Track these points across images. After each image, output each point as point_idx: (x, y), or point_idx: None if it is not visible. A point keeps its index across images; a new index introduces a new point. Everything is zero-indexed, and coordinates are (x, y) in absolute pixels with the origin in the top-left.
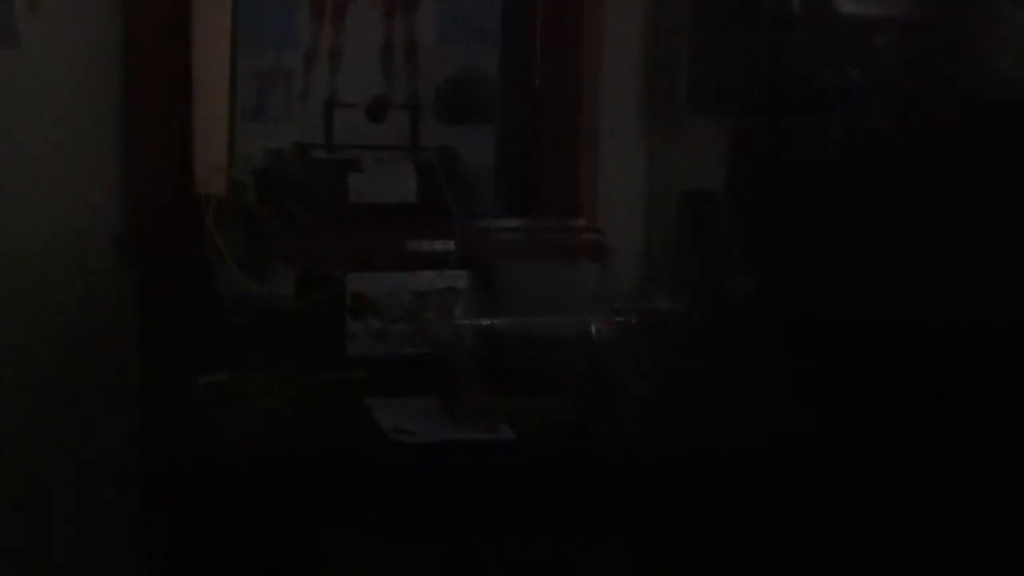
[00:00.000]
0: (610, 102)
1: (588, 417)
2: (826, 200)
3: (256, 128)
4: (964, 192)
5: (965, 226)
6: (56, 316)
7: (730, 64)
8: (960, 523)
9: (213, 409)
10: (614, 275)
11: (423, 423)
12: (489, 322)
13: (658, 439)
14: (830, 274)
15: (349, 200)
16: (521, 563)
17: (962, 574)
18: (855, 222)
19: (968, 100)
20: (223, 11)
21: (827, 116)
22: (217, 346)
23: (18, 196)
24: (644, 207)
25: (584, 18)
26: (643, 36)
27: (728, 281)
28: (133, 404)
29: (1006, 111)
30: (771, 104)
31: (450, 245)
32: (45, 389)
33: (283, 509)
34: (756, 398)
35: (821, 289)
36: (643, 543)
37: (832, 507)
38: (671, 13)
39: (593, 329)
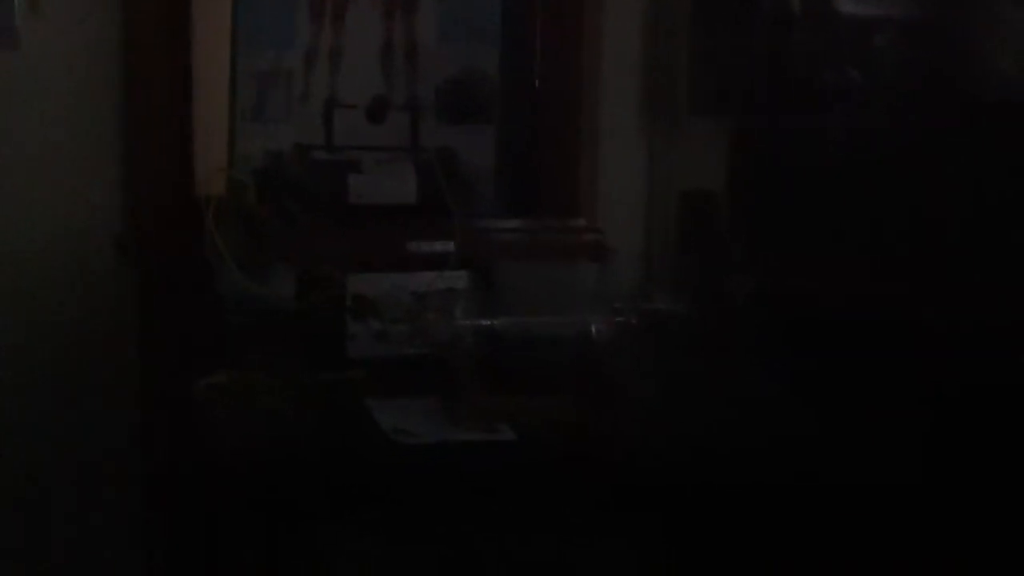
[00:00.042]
0: (610, 102)
1: (588, 417)
2: (826, 200)
3: (256, 129)
4: (964, 192)
5: (965, 226)
6: (56, 316)
7: (730, 64)
8: (960, 523)
9: (213, 410)
10: (614, 275)
11: (423, 423)
12: (489, 322)
13: (658, 439)
14: (830, 274)
15: (349, 201)
16: (522, 563)
17: (962, 574)
18: (855, 222)
19: (968, 100)
20: (223, 11)
21: (827, 116)
22: (217, 347)
23: (18, 196)
24: (644, 207)
25: (584, 18)
26: (643, 36)
27: (728, 281)
28: (133, 404)
29: (1006, 111)
30: (771, 104)
31: (450, 246)
32: (45, 389)
33: (283, 509)
34: (756, 398)
35: (821, 289)
36: (643, 543)
37: (832, 507)
38: (671, 13)
39: (593, 329)
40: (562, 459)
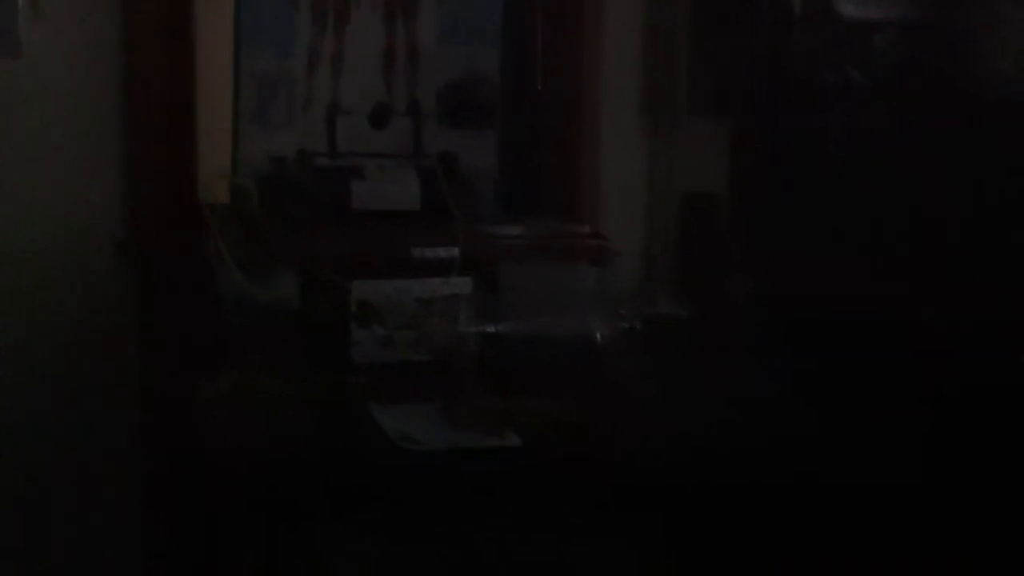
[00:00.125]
0: (611, 104)
1: (592, 420)
2: (828, 201)
3: (259, 134)
4: (964, 192)
5: (965, 226)
6: (56, 317)
7: (730, 65)
8: (960, 522)
9: (217, 414)
10: (616, 278)
11: (428, 429)
12: (493, 327)
13: (665, 441)
14: (832, 275)
15: (352, 207)
16: (524, 564)
17: (962, 574)
18: (857, 223)
19: (968, 100)
20: (225, 17)
21: (827, 116)
22: (220, 351)
23: (19, 196)
24: (645, 209)
25: (584, 20)
26: (643, 38)
27: (730, 282)
28: (133, 405)
29: (1006, 111)
30: (771, 105)
31: (453, 251)
32: (45, 389)
33: (286, 511)
34: (760, 399)
35: (823, 289)
36: (646, 545)
37: (834, 507)
38: (671, 14)
39: (596, 332)
40: (566, 462)
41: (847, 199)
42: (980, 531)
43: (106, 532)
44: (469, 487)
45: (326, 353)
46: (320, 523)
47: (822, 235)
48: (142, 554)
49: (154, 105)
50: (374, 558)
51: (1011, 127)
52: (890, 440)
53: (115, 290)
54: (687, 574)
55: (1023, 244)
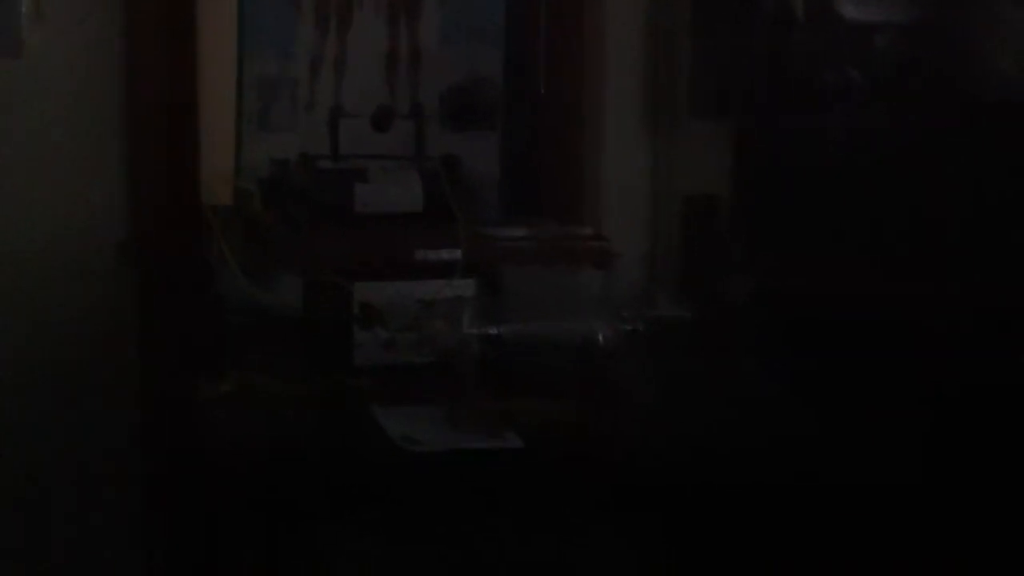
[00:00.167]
0: (612, 106)
1: (595, 422)
2: (831, 202)
3: (261, 137)
4: (965, 192)
5: (965, 226)
6: (58, 317)
7: (731, 66)
8: (960, 522)
9: (218, 416)
10: (619, 280)
11: (431, 431)
12: (496, 329)
13: (669, 444)
14: (835, 275)
15: (355, 209)
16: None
17: (962, 574)
18: (860, 223)
19: (968, 101)
20: (228, 18)
21: (828, 117)
22: (222, 353)
23: (21, 199)
24: (648, 211)
25: (586, 22)
26: (644, 40)
27: (732, 283)
28: (133, 405)
29: (1006, 111)
30: (773, 106)
31: (456, 253)
32: (45, 390)
33: (288, 515)
34: (764, 401)
35: (825, 290)
36: (650, 546)
37: (836, 508)
38: (672, 16)
39: (599, 335)
40: (568, 464)
41: (848, 200)
42: (980, 531)
43: (106, 532)
44: (470, 488)
45: (328, 355)
46: (321, 524)
47: (824, 236)
48: (142, 554)
49: (156, 106)
50: (374, 559)
51: (1011, 127)
52: (892, 440)
53: (116, 291)
54: (690, 574)
55: (1023, 244)
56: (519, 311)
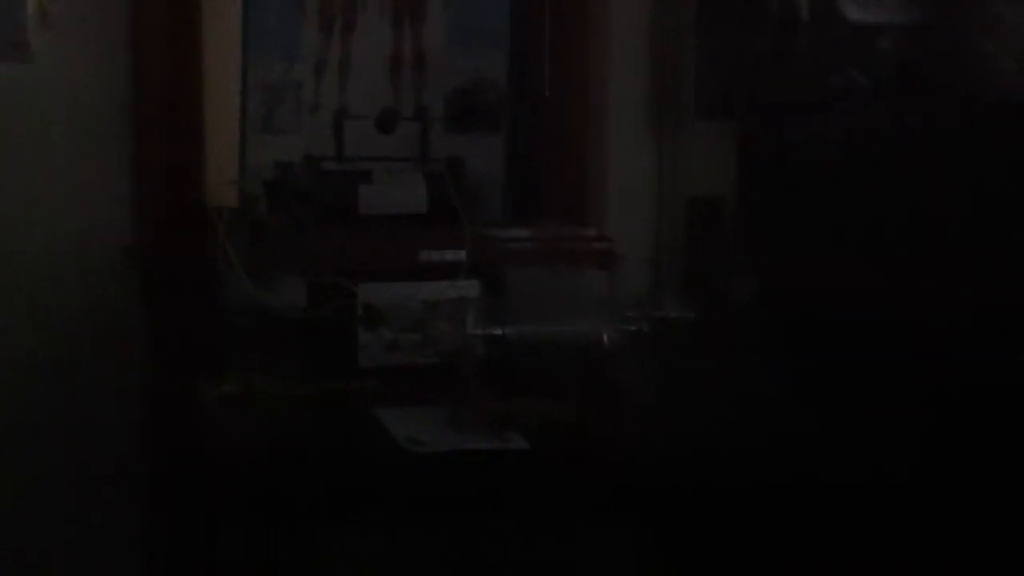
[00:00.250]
0: (617, 108)
1: (601, 423)
2: (834, 203)
3: (266, 139)
4: (968, 194)
5: (967, 227)
6: (63, 319)
7: (736, 68)
8: (961, 523)
9: (222, 417)
10: (623, 282)
11: (434, 432)
12: (500, 330)
13: (675, 444)
14: (839, 276)
15: (360, 211)
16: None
17: (962, 574)
18: (864, 225)
19: (972, 103)
20: (233, 22)
21: (833, 119)
22: (227, 355)
23: (27, 202)
24: (652, 212)
25: (590, 24)
26: (649, 41)
27: (737, 284)
28: (138, 408)
29: (1008, 113)
30: (777, 107)
31: (460, 255)
32: (51, 391)
33: (289, 514)
34: (769, 402)
35: (830, 291)
36: (656, 548)
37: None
38: (676, 17)
39: (603, 335)
40: (573, 465)
41: (852, 200)
42: (981, 531)
43: (106, 532)
44: (474, 489)
45: (332, 356)
46: (322, 524)
47: (828, 237)
48: (142, 554)
49: (161, 109)
50: (377, 559)
51: (1012, 128)
52: (895, 440)
53: (120, 292)
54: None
55: (1023, 244)
56: (523, 312)
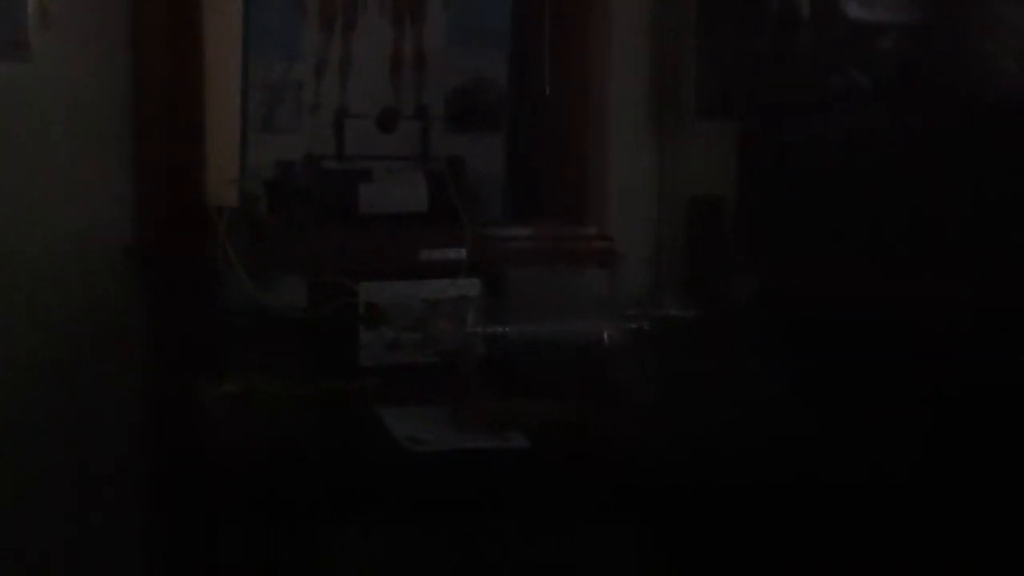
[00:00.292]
0: (617, 107)
1: (601, 423)
2: (834, 203)
3: (267, 139)
4: (969, 194)
5: (967, 227)
6: (63, 319)
7: (736, 67)
8: (961, 523)
9: (222, 418)
10: (624, 281)
11: (435, 431)
12: (501, 329)
13: (674, 444)
14: (839, 276)
15: (360, 210)
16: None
17: (962, 574)
18: (864, 224)
19: (973, 103)
20: (234, 23)
21: (833, 119)
22: (227, 355)
23: (27, 202)
24: (653, 212)
25: (590, 24)
26: (649, 41)
27: (737, 284)
28: (138, 407)
29: (1009, 113)
30: (777, 107)
31: (461, 254)
32: (47, 389)
33: (290, 514)
34: (769, 401)
35: (830, 291)
36: (656, 548)
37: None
38: (676, 16)
39: (604, 335)
40: (573, 464)
41: (852, 200)
42: (981, 531)
43: (106, 532)
44: (475, 489)
45: (333, 356)
46: (322, 524)
47: (828, 236)
48: (142, 554)
49: (161, 108)
50: (377, 559)
51: (1013, 128)
52: (895, 440)
53: (121, 292)
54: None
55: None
56: (523, 311)
